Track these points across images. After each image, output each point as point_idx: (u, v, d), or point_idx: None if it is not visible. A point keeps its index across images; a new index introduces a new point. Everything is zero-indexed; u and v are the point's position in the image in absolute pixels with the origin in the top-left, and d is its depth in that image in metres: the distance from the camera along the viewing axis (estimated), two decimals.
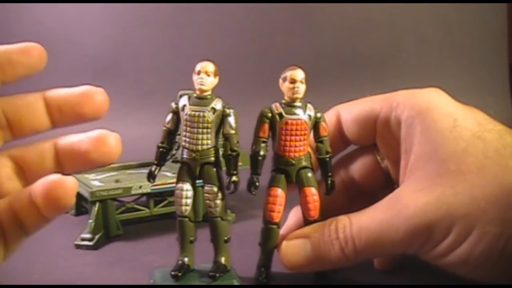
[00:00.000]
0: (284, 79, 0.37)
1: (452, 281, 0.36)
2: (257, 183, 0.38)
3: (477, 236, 0.31)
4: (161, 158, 0.39)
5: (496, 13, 1.17)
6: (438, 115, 0.35)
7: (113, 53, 1.05)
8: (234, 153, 0.38)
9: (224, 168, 0.38)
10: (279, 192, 0.38)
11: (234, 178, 0.37)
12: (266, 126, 0.38)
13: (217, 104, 0.37)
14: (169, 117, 0.38)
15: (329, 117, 0.41)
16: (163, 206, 0.54)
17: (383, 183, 0.41)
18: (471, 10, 1.15)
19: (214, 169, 0.38)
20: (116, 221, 0.51)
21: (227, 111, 0.37)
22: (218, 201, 0.38)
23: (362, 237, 0.35)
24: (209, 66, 0.37)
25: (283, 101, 0.38)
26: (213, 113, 0.37)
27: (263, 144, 0.38)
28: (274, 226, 0.38)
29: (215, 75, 0.37)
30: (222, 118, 0.37)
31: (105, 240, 0.49)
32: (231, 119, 0.37)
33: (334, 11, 1.11)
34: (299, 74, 0.37)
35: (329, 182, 0.39)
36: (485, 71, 1.15)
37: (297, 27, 1.10)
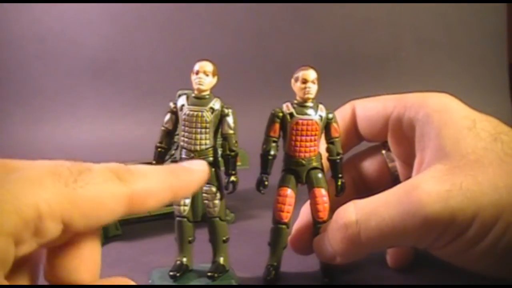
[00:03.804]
0: (296, 79, 0.37)
1: (465, 280, 0.36)
2: (266, 182, 0.38)
3: (502, 227, 0.30)
4: (160, 158, 0.39)
5: (496, 13, 1.17)
6: (456, 115, 0.35)
7: (112, 53, 1.05)
8: (232, 153, 0.37)
9: (222, 168, 0.38)
10: (289, 192, 0.38)
11: (232, 178, 0.37)
12: (277, 126, 0.38)
13: (216, 104, 0.37)
14: (168, 117, 0.38)
15: (345, 111, 0.41)
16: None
17: (391, 184, 0.41)
18: (471, 10, 1.15)
19: (213, 169, 0.37)
20: (114, 222, 0.50)
21: (226, 111, 0.37)
22: (217, 201, 0.38)
23: (372, 223, 0.33)
24: (208, 66, 0.36)
25: (295, 101, 0.38)
26: (212, 113, 0.37)
27: (273, 144, 0.38)
28: (283, 226, 0.38)
29: (213, 75, 0.37)
30: (221, 118, 0.37)
31: (104, 241, 0.49)
32: (230, 119, 0.37)
33: (334, 11, 1.11)
34: (311, 74, 0.37)
35: (339, 183, 0.39)
36: (485, 71, 1.14)
37: (296, 27, 1.10)
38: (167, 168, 0.28)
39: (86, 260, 0.26)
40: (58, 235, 0.22)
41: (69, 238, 0.25)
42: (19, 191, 0.21)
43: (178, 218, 0.38)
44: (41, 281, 0.26)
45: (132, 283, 0.27)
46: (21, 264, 0.23)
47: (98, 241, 0.26)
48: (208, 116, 0.37)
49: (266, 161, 0.38)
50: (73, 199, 0.22)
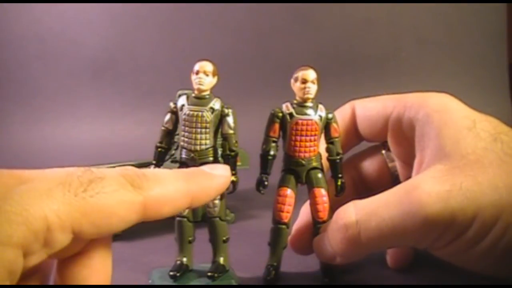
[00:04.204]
0: (296, 79, 0.37)
1: (465, 280, 0.36)
2: (265, 183, 0.38)
3: (502, 227, 0.30)
4: (160, 158, 0.39)
5: (496, 13, 1.17)
6: (456, 115, 0.35)
7: (112, 53, 1.05)
8: (232, 153, 0.37)
9: None
10: (289, 192, 0.38)
11: (232, 178, 0.37)
12: (277, 126, 0.38)
13: (216, 104, 0.37)
14: (168, 117, 0.38)
15: (345, 111, 0.41)
16: None
17: (391, 184, 0.41)
18: (471, 10, 1.15)
19: None
20: None
21: (226, 111, 0.37)
22: (217, 201, 0.38)
23: (372, 224, 0.33)
24: (208, 66, 0.36)
25: (295, 101, 0.38)
26: (212, 112, 0.37)
27: (273, 144, 0.38)
28: (283, 226, 0.38)
29: (213, 75, 0.37)
30: (221, 118, 0.37)
31: None
32: (230, 119, 0.37)
33: (334, 11, 1.11)
34: (310, 74, 0.37)
35: (339, 183, 0.39)
36: (485, 71, 1.14)
37: (296, 27, 1.10)
38: (185, 172, 0.28)
39: (97, 270, 0.26)
40: (67, 244, 0.22)
41: (81, 247, 0.24)
42: (28, 202, 0.21)
43: (178, 218, 0.38)
44: None
45: None
46: (30, 274, 0.23)
47: (109, 248, 0.26)
48: (208, 116, 0.37)
49: (266, 161, 0.38)
50: (82, 209, 0.22)
